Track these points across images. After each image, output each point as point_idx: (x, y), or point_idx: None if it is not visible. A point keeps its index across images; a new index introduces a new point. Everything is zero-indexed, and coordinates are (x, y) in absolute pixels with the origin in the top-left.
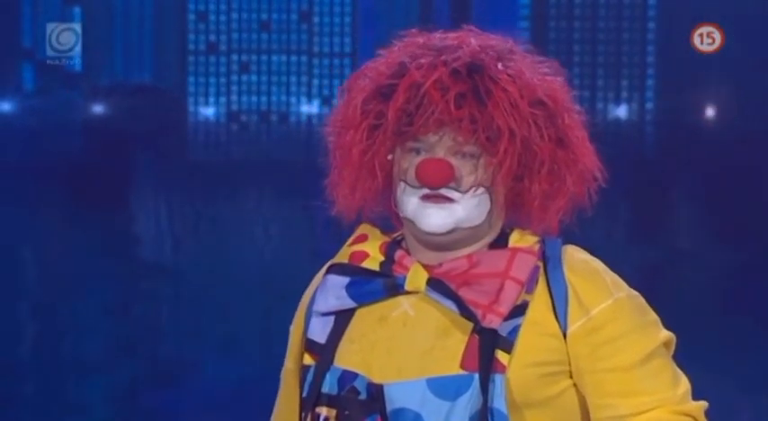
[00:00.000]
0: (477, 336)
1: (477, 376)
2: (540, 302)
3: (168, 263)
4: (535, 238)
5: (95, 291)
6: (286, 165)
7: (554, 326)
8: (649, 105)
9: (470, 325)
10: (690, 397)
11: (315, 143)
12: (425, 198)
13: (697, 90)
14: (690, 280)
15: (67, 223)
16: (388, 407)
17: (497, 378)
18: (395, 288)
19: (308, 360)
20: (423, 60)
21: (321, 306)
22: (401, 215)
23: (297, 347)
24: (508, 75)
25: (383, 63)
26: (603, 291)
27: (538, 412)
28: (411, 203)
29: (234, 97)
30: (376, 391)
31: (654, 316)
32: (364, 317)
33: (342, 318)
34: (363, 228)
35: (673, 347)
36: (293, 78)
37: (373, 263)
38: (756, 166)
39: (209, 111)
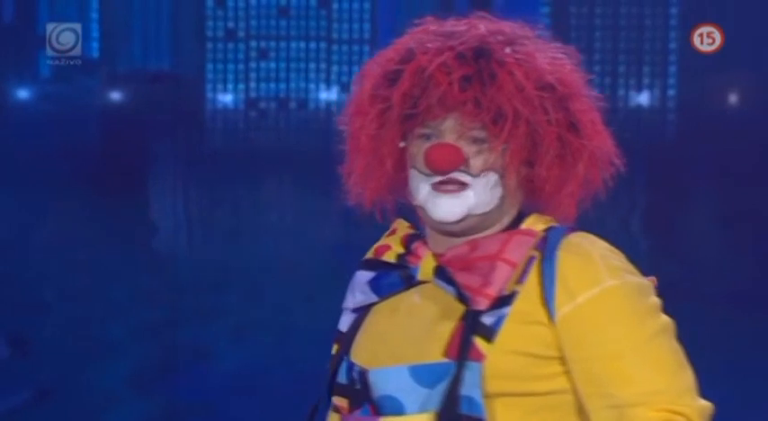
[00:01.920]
0: (462, 324)
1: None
2: (530, 292)
3: (185, 250)
4: (548, 224)
5: (113, 278)
6: (305, 152)
7: (542, 313)
8: (671, 92)
9: (462, 312)
10: (692, 393)
11: (334, 130)
12: (437, 186)
13: (721, 78)
14: (708, 266)
15: (85, 210)
16: (374, 394)
17: (474, 366)
18: (410, 279)
19: (335, 350)
20: (430, 45)
21: (349, 302)
22: (414, 203)
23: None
24: (515, 59)
25: (393, 49)
26: (592, 277)
27: (517, 401)
28: (422, 191)
29: (252, 84)
30: (364, 379)
31: (652, 302)
32: (380, 310)
33: (362, 311)
34: (396, 223)
35: (674, 334)
36: (312, 65)
37: (392, 255)
38: None
39: (227, 99)
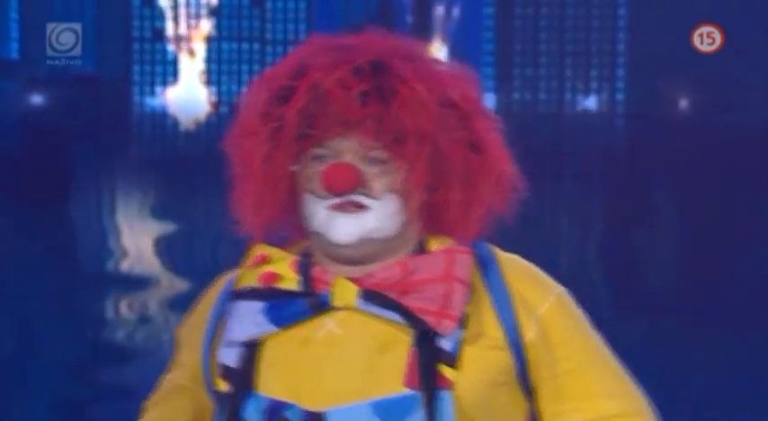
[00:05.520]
0: (417, 351)
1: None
2: (481, 312)
3: (112, 260)
4: (452, 244)
5: (34, 293)
6: None
7: (500, 337)
8: (619, 96)
9: (409, 339)
10: (650, 411)
11: None
12: (334, 207)
13: (668, 82)
14: (661, 275)
15: (4, 223)
16: None
17: (444, 395)
18: (320, 306)
19: (222, 386)
20: (324, 60)
21: (238, 335)
22: (310, 230)
23: (188, 352)
24: (416, 73)
25: (281, 65)
26: (544, 287)
27: None
28: (319, 214)
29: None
30: (313, 419)
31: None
32: (284, 341)
33: (253, 344)
34: (259, 249)
35: None
36: (245, 67)
37: (290, 283)
38: (730, 161)
39: (155, 102)
